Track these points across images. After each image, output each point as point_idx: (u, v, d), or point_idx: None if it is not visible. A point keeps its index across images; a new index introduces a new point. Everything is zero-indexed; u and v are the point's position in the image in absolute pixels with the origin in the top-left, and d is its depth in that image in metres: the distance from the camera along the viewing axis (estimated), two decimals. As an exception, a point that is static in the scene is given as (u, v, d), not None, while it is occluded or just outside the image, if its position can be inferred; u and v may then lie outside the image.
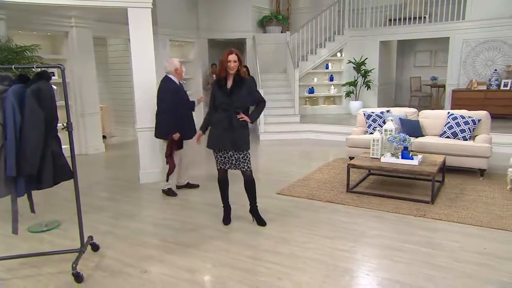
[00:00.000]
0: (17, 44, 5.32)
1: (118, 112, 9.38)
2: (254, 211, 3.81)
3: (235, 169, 3.67)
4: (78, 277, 2.79)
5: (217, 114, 3.60)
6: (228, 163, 3.65)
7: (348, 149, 5.99)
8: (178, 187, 4.95)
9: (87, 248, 3.18)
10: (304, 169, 5.81)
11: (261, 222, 3.77)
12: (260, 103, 3.71)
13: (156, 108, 4.58)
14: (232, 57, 3.47)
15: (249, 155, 3.64)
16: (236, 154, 3.59)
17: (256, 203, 3.81)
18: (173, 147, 4.61)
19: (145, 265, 3.03)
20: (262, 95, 3.78)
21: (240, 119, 3.53)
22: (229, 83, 3.56)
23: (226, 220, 3.84)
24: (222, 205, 3.89)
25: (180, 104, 4.53)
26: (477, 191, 4.62)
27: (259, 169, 6.12)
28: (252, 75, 8.96)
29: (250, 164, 3.65)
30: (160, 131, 4.59)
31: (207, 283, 2.82)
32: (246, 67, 8.63)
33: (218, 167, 3.74)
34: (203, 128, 3.78)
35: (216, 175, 3.84)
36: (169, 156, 4.60)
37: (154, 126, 5.06)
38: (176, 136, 4.50)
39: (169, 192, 4.74)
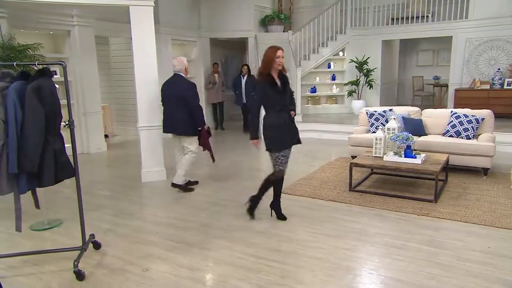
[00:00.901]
0: (19, 42, 5.32)
1: (120, 111, 9.38)
2: (277, 205, 3.87)
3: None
4: (79, 275, 2.78)
5: (274, 115, 3.55)
6: (286, 161, 3.68)
7: (351, 148, 5.97)
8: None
9: (89, 246, 3.18)
10: (306, 168, 5.79)
11: (281, 216, 3.83)
12: (293, 96, 3.82)
13: (175, 108, 4.63)
14: (281, 53, 3.44)
15: None
16: (291, 150, 3.68)
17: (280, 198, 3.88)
18: (207, 135, 4.80)
19: (147, 263, 3.03)
20: None
21: (293, 116, 3.67)
22: (278, 81, 3.53)
23: (253, 214, 3.86)
24: (251, 198, 3.85)
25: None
26: (481, 190, 4.59)
27: (262, 168, 6.11)
28: (253, 75, 9.01)
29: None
30: (198, 126, 4.71)
31: (208, 281, 2.81)
32: (247, 65, 8.72)
33: (279, 168, 3.66)
34: (258, 134, 3.69)
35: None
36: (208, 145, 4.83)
37: (155, 124, 5.08)
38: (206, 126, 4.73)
39: (186, 188, 4.83)
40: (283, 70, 3.60)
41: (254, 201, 3.83)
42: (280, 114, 3.54)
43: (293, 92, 3.80)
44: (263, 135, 3.64)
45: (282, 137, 3.56)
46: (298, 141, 3.74)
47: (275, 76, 3.52)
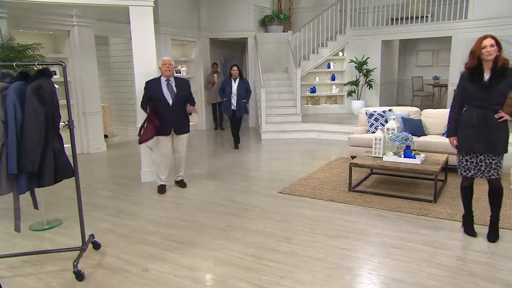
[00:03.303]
0: (19, 42, 5.32)
1: (120, 111, 9.38)
2: (493, 224, 3.30)
3: (482, 177, 3.17)
4: (79, 275, 2.78)
5: (467, 111, 3.15)
6: (475, 170, 3.18)
7: (350, 148, 5.98)
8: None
9: (89, 246, 3.18)
10: (306, 168, 5.80)
11: (493, 236, 3.25)
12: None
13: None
14: (488, 41, 2.98)
15: (502, 160, 3.14)
16: (489, 159, 3.11)
17: (498, 215, 3.28)
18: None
19: (146, 263, 3.03)
20: None
21: (499, 118, 3.02)
22: (486, 75, 3.04)
23: (469, 229, 3.41)
24: (463, 213, 3.47)
25: (152, 99, 4.61)
26: (480, 190, 4.57)
27: (261, 168, 6.12)
28: (245, 77, 7.84)
29: (500, 171, 3.15)
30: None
31: (208, 281, 2.81)
32: (237, 66, 7.29)
33: (460, 173, 3.29)
34: (453, 131, 3.26)
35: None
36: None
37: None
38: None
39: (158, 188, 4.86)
40: (500, 62, 3.01)
41: (465, 214, 3.46)
42: (472, 110, 3.09)
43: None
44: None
45: (469, 138, 3.11)
46: (494, 151, 3.07)
47: (487, 68, 3.05)
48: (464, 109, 3.22)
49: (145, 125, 4.58)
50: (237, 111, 7.22)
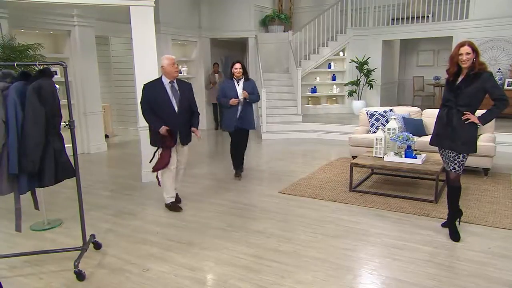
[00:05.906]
0: (20, 42, 5.33)
1: (120, 111, 9.39)
2: (449, 222, 3.43)
3: (447, 168, 3.41)
4: (80, 275, 2.78)
5: (440, 110, 3.39)
6: (444, 162, 3.46)
7: (351, 148, 5.97)
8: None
9: (89, 246, 3.18)
10: (306, 168, 5.79)
11: (454, 236, 3.33)
12: (498, 102, 3.17)
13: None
14: (464, 50, 3.11)
15: (464, 158, 3.29)
16: (451, 154, 3.32)
17: (452, 212, 3.42)
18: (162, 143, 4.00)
19: (147, 263, 3.03)
20: (500, 92, 3.16)
21: (465, 120, 3.20)
22: (460, 78, 3.23)
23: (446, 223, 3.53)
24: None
25: (154, 105, 4.00)
26: (481, 190, 4.59)
27: (262, 168, 6.11)
28: (251, 78, 5.53)
29: (461, 168, 3.31)
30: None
31: (208, 281, 2.81)
32: (240, 63, 5.28)
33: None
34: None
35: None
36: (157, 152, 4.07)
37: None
38: (163, 130, 3.87)
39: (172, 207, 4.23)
40: (477, 67, 3.13)
41: (450, 221, 3.47)
42: (445, 110, 3.33)
43: (502, 98, 3.14)
44: None
45: (439, 134, 3.38)
46: (454, 149, 3.26)
47: (464, 73, 3.20)
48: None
49: (159, 151, 4.00)
50: (245, 123, 5.22)
